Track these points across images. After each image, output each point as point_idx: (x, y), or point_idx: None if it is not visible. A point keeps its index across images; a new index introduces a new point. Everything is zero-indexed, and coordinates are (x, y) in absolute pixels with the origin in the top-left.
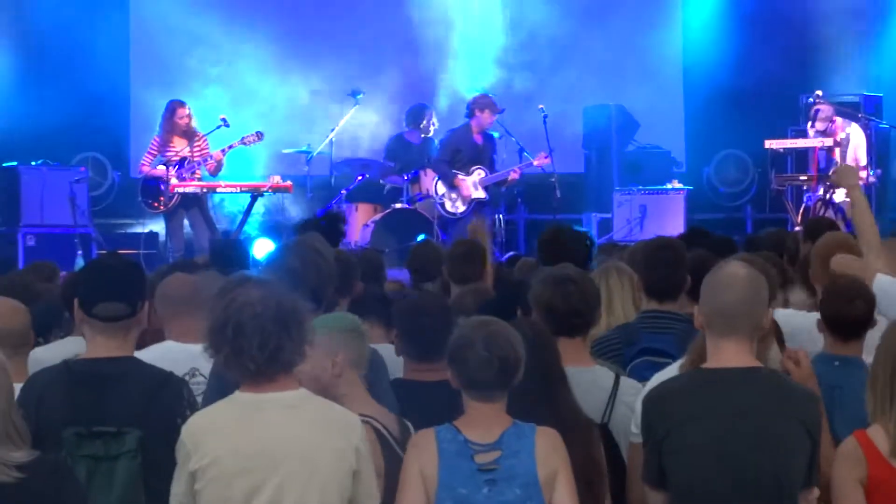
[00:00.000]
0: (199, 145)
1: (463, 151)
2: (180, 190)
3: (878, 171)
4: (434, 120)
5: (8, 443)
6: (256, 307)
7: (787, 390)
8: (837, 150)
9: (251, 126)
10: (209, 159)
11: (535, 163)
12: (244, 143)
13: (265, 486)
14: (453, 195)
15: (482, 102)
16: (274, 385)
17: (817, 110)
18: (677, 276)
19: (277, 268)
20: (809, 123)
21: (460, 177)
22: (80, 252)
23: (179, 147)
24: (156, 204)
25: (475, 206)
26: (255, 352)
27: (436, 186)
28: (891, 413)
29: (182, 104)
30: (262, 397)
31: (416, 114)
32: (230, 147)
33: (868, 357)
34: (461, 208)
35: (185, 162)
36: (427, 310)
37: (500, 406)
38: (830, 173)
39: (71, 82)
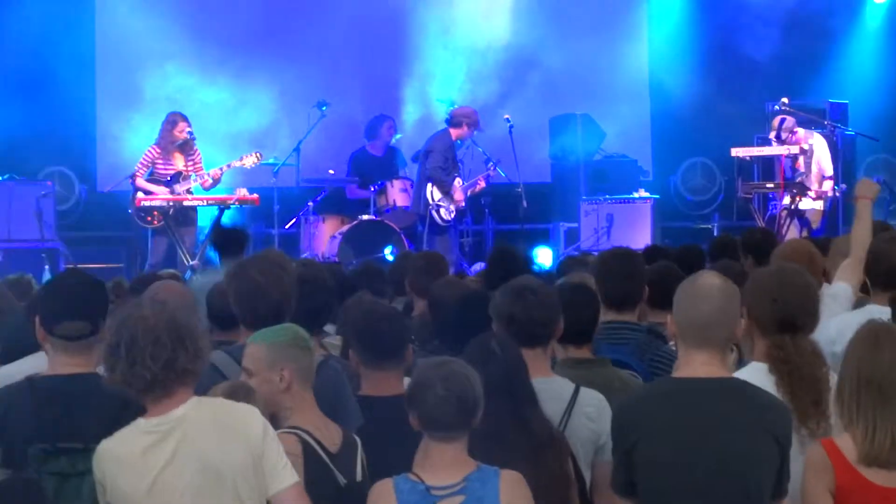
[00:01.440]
0: (192, 159)
1: (448, 159)
2: (146, 203)
3: (843, 186)
4: (393, 129)
5: None
6: (148, 321)
7: (758, 402)
8: (802, 159)
9: (216, 138)
10: (205, 176)
11: (480, 185)
12: (243, 164)
13: None
14: (446, 202)
15: (470, 117)
16: (171, 400)
17: (782, 119)
18: (634, 285)
19: (239, 281)
20: (772, 133)
21: (455, 184)
22: (47, 266)
23: (177, 161)
24: (149, 218)
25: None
26: (149, 361)
27: (432, 194)
28: (858, 421)
29: (184, 117)
30: (160, 420)
31: (373, 125)
32: (228, 166)
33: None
34: (451, 216)
35: (180, 177)
36: (382, 313)
37: (461, 447)
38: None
39: (36, 96)
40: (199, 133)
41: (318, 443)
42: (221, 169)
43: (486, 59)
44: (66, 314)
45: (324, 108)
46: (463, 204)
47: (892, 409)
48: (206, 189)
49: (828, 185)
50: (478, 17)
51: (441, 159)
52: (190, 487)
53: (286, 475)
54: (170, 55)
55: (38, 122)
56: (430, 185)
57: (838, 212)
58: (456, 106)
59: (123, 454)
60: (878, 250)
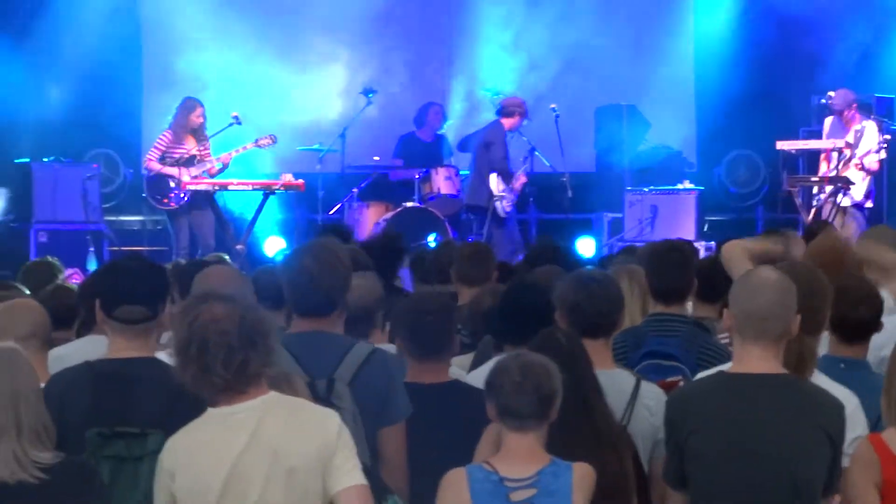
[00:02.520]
0: (204, 144)
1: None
2: (192, 188)
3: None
4: (440, 115)
5: (37, 442)
6: (220, 323)
7: (811, 397)
8: (849, 151)
9: (262, 124)
10: (213, 162)
11: (521, 180)
12: (258, 146)
13: (245, 501)
14: (507, 193)
15: (521, 107)
16: (244, 396)
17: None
18: (684, 278)
19: (292, 268)
20: (829, 118)
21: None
22: (91, 249)
23: (190, 146)
24: (165, 200)
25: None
26: (221, 369)
27: (496, 185)
28: None
29: (199, 103)
30: (234, 409)
31: (421, 112)
32: (244, 148)
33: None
34: (511, 207)
35: (195, 160)
36: (429, 308)
37: (536, 439)
38: None
39: (83, 79)
40: (244, 118)
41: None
42: (230, 154)
43: (532, 50)
44: (125, 298)
45: (370, 95)
46: (525, 180)
47: None
48: (213, 176)
49: (872, 159)
50: (525, 7)
51: (503, 150)
52: (264, 477)
53: (354, 475)
54: (215, 39)
55: (85, 104)
56: (493, 176)
57: (883, 202)
58: (502, 96)
59: (198, 442)
60: None
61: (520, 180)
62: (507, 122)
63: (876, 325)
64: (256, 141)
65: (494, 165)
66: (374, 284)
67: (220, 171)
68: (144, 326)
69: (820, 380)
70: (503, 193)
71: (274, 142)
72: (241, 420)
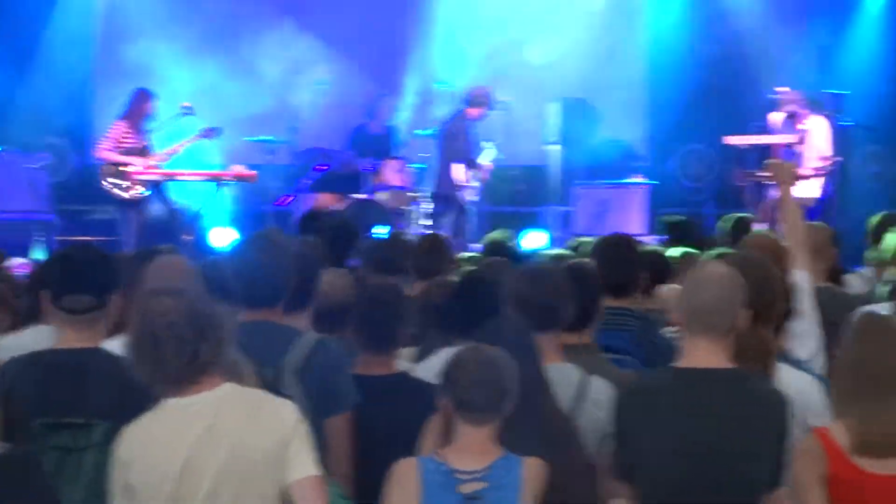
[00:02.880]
0: (149, 136)
1: (472, 139)
2: (144, 178)
3: (839, 159)
4: (391, 107)
5: None
6: (170, 316)
7: (758, 392)
8: (800, 146)
9: (212, 114)
10: (163, 153)
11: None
12: (204, 137)
13: (200, 490)
14: (472, 184)
15: (487, 98)
16: (199, 387)
17: (782, 99)
18: (632, 272)
19: (239, 259)
20: (776, 114)
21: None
22: (38, 238)
23: (140, 136)
24: (124, 189)
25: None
26: (174, 361)
27: (463, 175)
28: (854, 411)
29: (154, 95)
30: (190, 400)
31: (371, 105)
32: (191, 140)
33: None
34: (475, 198)
35: (146, 151)
36: (380, 299)
37: (490, 432)
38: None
39: (32, 68)
40: (197, 110)
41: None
42: (179, 145)
43: (485, 43)
44: (73, 287)
45: (321, 86)
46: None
47: (887, 400)
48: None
49: (823, 164)
50: (479, 1)
51: (468, 139)
52: (220, 468)
53: (309, 466)
54: (167, 30)
55: (34, 93)
56: (458, 166)
57: (834, 198)
58: (454, 88)
59: (154, 433)
60: None
61: (483, 170)
62: (471, 112)
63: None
64: (202, 132)
65: (459, 155)
66: (347, 281)
67: (165, 161)
68: (92, 316)
69: (783, 371)
70: (468, 184)
71: (218, 134)
72: (198, 411)
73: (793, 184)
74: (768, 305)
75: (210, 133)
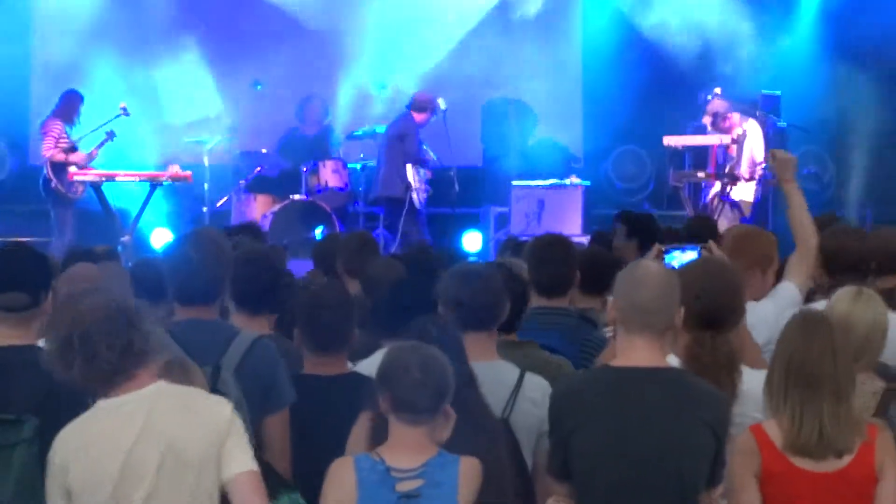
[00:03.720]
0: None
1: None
2: (80, 178)
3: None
4: (320, 109)
5: None
6: (98, 312)
7: (695, 391)
8: (735, 147)
9: (148, 116)
10: (88, 154)
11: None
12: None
13: (140, 489)
14: (424, 186)
15: (432, 103)
16: (133, 382)
17: (714, 110)
18: (565, 272)
19: (173, 257)
20: (707, 118)
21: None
22: None
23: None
24: (74, 188)
25: None
26: (107, 352)
27: (413, 177)
28: (785, 409)
29: (82, 97)
30: (123, 400)
31: (301, 106)
32: (100, 145)
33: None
34: (424, 201)
35: (73, 151)
36: (327, 301)
37: (427, 432)
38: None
39: None
40: (133, 113)
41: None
42: (93, 152)
43: (420, 43)
44: (4, 285)
45: (258, 87)
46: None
47: (820, 399)
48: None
49: (758, 171)
50: (413, 2)
51: (417, 142)
52: (157, 467)
53: (245, 461)
54: (105, 33)
55: None
56: (409, 167)
57: (768, 200)
58: (389, 88)
59: (90, 435)
60: (833, 243)
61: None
62: (417, 116)
63: None
64: (108, 135)
65: (409, 157)
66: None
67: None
68: (26, 314)
69: (745, 373)
70: (419, 185)
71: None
72: (132, 411)
73: (794, 179)
74: (735, 313)
75: (111, 136)
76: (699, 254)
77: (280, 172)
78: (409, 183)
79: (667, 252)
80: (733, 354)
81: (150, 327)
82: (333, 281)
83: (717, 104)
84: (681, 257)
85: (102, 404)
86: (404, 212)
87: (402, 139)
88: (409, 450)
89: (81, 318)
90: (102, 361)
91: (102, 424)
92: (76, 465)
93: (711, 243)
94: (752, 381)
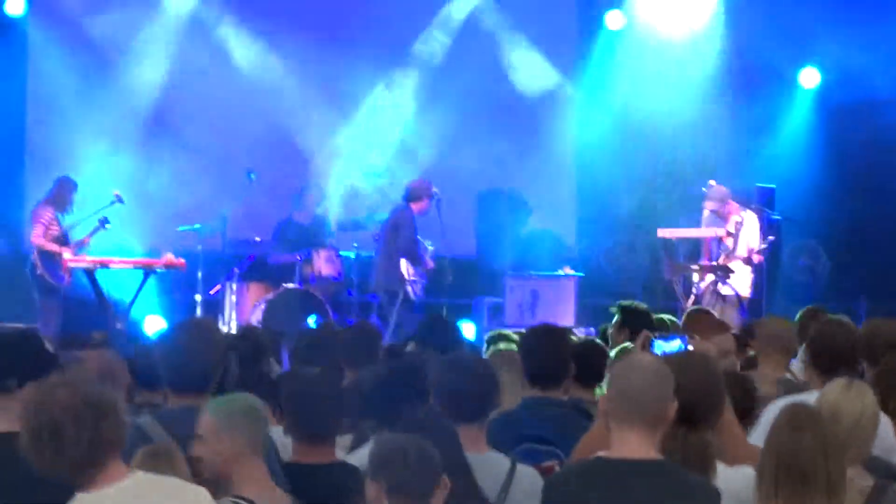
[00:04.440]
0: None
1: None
2: (73, 265)
3: (770, 238)
4: (317, 198)
5: None
6: (65, 402)
7: (687, 485)
8: (730, 240)
9: (142, 203)
10: (80, 242)
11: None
12: (101, 227)
13: None
14: (417, 278)
15: (428, 190)
16: (106, 475)
17: (711, 194)
18: (559, 362)
19: (167, 345)
20: (711, 205)
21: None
22: None
23: (59, 224)
24: (60, 275)
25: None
26: (74, 444)
27: (407, 270)
28: (776, 502)
29: (75, 184)
30: (103, 493)
31: (298, 194)
32: (93, 232)
33: None
34: (419, 292)
35: (67, 239)
36: (316, 389)
37: None
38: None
39: None
40: (128, 200)
41: None
42: (84, 239)
43: (414, 132)
44: None
45: (251, 177)
46: (431, 265)
47: (811, 494)
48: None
49: (755, 258)
50: (407, 92)
51: (411, 234)
52: None
53: None
54: (99, 122)
55: None
56: (403, 261)
57: (762, 293)
58: (384, 177)
59: None
60: (820, 337)
61: (428, 265)
62: (415, 206)
63: None
64: (100, 222)
65: (402, 251)
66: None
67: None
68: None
69: (720, 471)
70: (414, 278)
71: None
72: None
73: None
74: (714, 409)
75: (104, 223)
76: (685, 344)
77: (273, 261)
78: (402, 276)
79: (653, 340)
80: (706, 452)
81: (123, 418)
82: (322, 370)
83: (720, 190)
84: (665, 346)
85: (83, 498)
86: (398, 303)
87: (395, 230)
88: None
89: (50, 409)
90: (70, 451)
91: None
92: None
93: (696, 337)
94: (729, 479)
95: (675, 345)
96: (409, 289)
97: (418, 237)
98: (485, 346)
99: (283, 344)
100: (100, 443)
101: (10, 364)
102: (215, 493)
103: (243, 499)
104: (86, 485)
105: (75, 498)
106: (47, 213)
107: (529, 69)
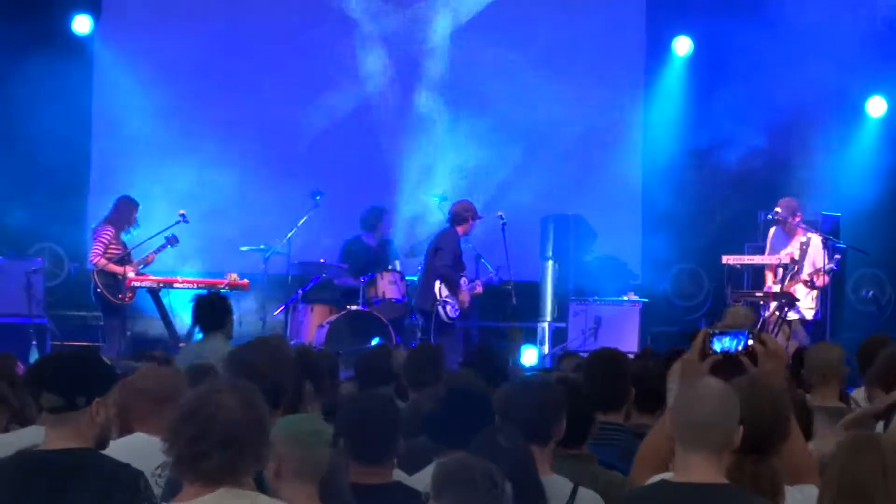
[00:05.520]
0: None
1: (456, 257)
2: (137, 284)
3: (837, 257)
4: (390, 222)
5: None
6: (225, 411)
7: None
8: (797, 254)
9: (208, 223)
10: (142, 261)
11: (478, 289)
12: (168, 245)
13: None
14: (452, 300)
15: (470, 210)
16: (207, 487)
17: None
18: (620, 387)
19: (235, 365)
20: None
21: (462, 283)
22: (34, 343)
23: (121, 243)
24: (120, 296)
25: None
26: (215, 456)
27: (440, 290)
28: None
29: (137, 203)
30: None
31: (372, 217)
32: (157, 250)
33: None
34: (456, 314)
35: (129, 258)
36: (372, 413)
37: None
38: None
39: (30, 172)
40: (192, 219)
41: None
42: (148, 257)
43: (480, 157)
44: (45, 386)
45: (318, 198)
46: (467, 304)
47: None
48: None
49: (820, 281)
50: (473, 113)
51: (450, 257)
52: None
53: None
54: (162, 141)
55: (31, 198)
56: (437, 282)
57: (826, 318)
58: (449, 201)
59: None
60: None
61: (476, 289)
62: (460, 229)
63: None
64: (168, 240)
65: (437, 271)
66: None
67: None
68: (71, 416)
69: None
70: (447, 299)
71: (176, 242)
72: None
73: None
74: (780, 438)
75: (173, 241)
76: (746, 339)
77: (338, 283)
78: (435, 296)
79: (714, 337)
80: (776, 479)
81: (265, 447)
82: (379, 392)
83: (789, 202)
84: (726, 342)
85: None
86: (432, 325)
87: (435, 252)
88: None
89: (212, 412)
90: (203, 461)
91: None
92: None
93: (763, 334)
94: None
95: (735, 341)
96: (440, 310)
97: (457, 259)
98: (552, 363)
99: (342, 365)
100: (236, 467)
101: (78, 382)
102: None
103: None
104: (185, 489)
105: None
106: (108, 233)
107: (597, 95)
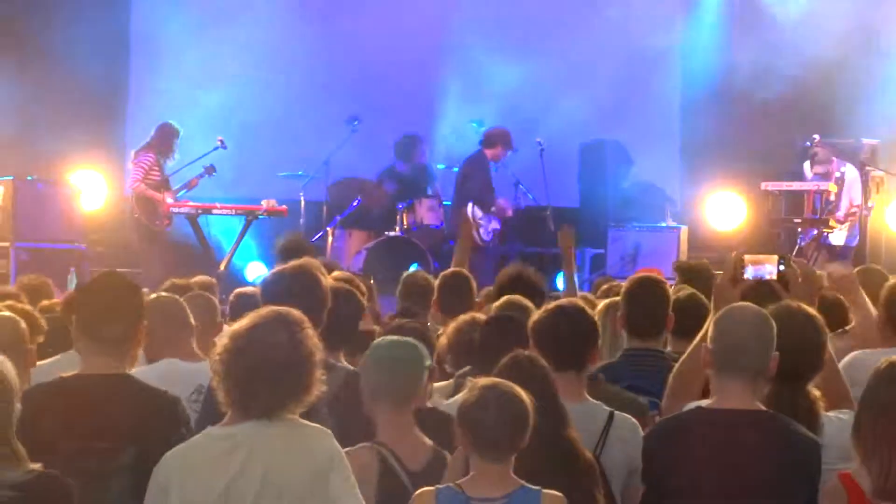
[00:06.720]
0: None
1: (486, 180)
2: (176, 210)
3: (871, 204)
4: (426, 152)
5: (3, 462)
6: (274, 350)
7: (790, 435)
8: (833, 192)
9: (245, 149)
10: (183, 188)
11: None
12: (206, 174)
13: None
14: (485, 222)
15: (504, 138)
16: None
17: (815, 154)
18: (659, 313)
19: (271, 289)
20: (809, 165)
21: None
22: (72, 269)
23: (164, 169)
24: (158, 222)
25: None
26: (264, 395)
27: (473, 213)
28: (874, 455)
29: (179, 130)
30: (232, 430)
31: (406, 146)
32: (197, 178)
33: None
34: (488, 237)
35: (169, 184)
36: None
37: (507, 466)
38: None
39: (69, 99)
40: (231, 146)
41: (398, 460)
42: (190, 183)
43: (519, 83)
44: (100, 316)
45: (355, 123)
46: (509, 213)
47: None
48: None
49: (853, 213)
50: (513, 40)
51: (481, 179)
52: (257, 495)
53: (351, 499)
54: (200, 67)
55: (69, 124)
56: (470, 205)
57: (865, 243)
58: (486, 127)
59: (197, 460)
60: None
61: (506, 212)
62: (489, 153)
63: None
64: (206, 169)
65: (472, 194)
66: None
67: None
68: (118, 344)
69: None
70: (480, 221)
71: (214, 171)
72: (238, 442)
73: (858, 291)
74: (814, 365)
75: (210, 170)
76: (778, 265)
77: (376, 207)
78: (468, 220)
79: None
80: (814, 407)
81: (316, 380)
82: (409, 322)
83: (824, 153)
84: (760, 269)
85: (211, 432)
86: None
87: (465, 176)
88: (490, 483)
89: (261, 350)
90: (250, 399)
91: (207, 453)
92: (176, 489)
93: (796, 259)
94: (834, 429)
95: (770, 266)
96: (474, 234)
97: (486, 183)
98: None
99: (379, 291)
100: (285, 404)
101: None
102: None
103: (379, 443)
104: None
105: (206, 431)
106: (149, 159)
107: (637, 22)
